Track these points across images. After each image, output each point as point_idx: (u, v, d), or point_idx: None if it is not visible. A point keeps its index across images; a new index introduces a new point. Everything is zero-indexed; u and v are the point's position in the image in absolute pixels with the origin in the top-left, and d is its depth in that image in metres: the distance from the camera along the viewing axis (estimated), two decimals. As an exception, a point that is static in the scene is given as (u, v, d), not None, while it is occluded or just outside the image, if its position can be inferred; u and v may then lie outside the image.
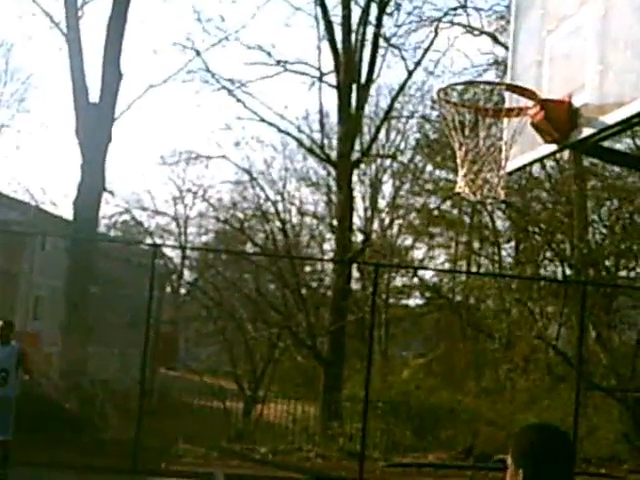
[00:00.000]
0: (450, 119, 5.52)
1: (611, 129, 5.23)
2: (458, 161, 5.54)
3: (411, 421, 16.18)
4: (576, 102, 5.43)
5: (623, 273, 20.24)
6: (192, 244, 33.89)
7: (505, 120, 5.88)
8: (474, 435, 16.08)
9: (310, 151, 22.89)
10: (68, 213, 17.27)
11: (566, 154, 21.17)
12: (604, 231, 19.64)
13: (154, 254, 13.60)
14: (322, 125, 22.15)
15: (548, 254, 20.88)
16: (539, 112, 5.55)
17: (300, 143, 22.90)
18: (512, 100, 6.02)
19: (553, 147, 5.73)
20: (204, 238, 33.73)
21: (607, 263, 19.01)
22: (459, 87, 6.18)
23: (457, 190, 5.55)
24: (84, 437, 12.55)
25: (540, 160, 7.31)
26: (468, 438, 15.77)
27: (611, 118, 5.06)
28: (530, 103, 5.61)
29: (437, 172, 25.89)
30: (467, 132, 5.46)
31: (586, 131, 5.33)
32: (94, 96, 16.36)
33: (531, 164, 6.68)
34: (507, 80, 6.57)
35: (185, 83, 24.23)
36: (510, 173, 6.06)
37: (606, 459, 14.37)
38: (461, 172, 5.47)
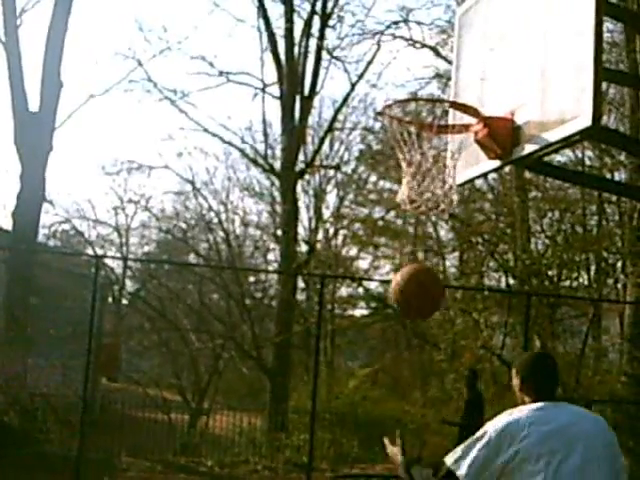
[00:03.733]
0: (394, 133, 5.57)
1: (553, 146, 5.35)
2: (402, 174, 5.59)
3: (358, 432, 16.19)
4: (518, 119, 5.54)
5: (566, 283, 20.61)
6: (134, 254, 33.49)
7: (449, 137, 5.97)
8: (421, 445, 16.18)
9: (254, 162, 22.89)
10: (7, 224, 16.99)
11: (508, 167, 21.60)
12: (547, 242, 19.99)
13: (96, 265, 13.38)
14: (265, 136, 22.20)
15: (492, 264, 21.18)
16: (482, 129, 5.64)
17: (244, 154, 22.91)
18: (456, 115, 6.10)
19: (496, 163, 5.83)
20: (146, 248, 33.41)
21: (550, 273, 19.32)
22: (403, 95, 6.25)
23: (398, 200, 5.60)
24: (25, 451, 12.30)
25: (484, 175, 7.42)
26: (415, 448, 15.87)
27: (553, 135, 5.18)
28: (474, 120, 5.71)
29: (381, 182, 26.14)
30: (411, 146, 5.51)
31: (528, 147, 5.44)
32: (34, 105, 16.12)
33: (475, 179, 6.77)
34: (451, 95, 6.66)
35: (127, 93, 24.23)
36: (458, 186, 6.14)
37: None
38: (404, 184, 5.51)
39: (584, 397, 15.25)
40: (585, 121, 4.81)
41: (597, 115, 4.78)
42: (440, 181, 5.56)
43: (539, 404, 3.52)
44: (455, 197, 5.70)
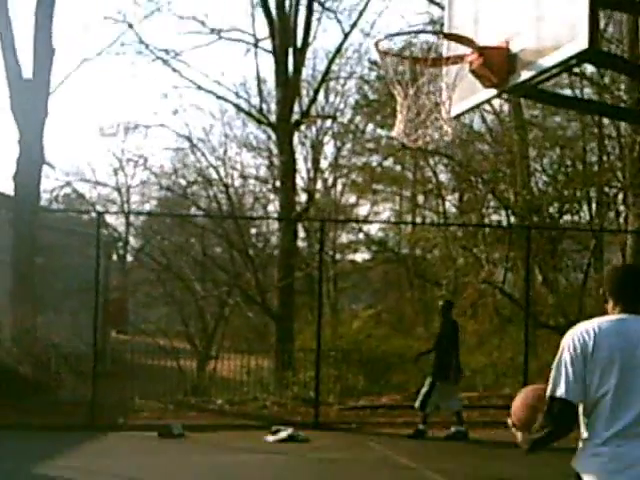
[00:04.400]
0: (390, 71, 5.60)
1: (549, 71, 5.38)
2: (398, 107, 5.62)
3: (363, 367, 16.41)
4: (514, 47, 5.57)
5: (567, 218, 20.71)
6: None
7: (444, 69, 6.00)
8: (425, 378, 16.41)
9: (249, 115, 22.84)
10: (9, 188, 17.27)
11: (506, 107, 21.56)
12: (547, 180, 20.03)
13: (98, 221, 13.63)
14: (260, 90, 22.13)
15: (492, 203, 21.25)
16: (477, 59, 5.67)
17: (239, 108, 22.83)
18: (450, 47, 6.10)
19: (492, 92, 5.88)
20: (147, 206, 33.47)
21: (550, 210, 19.41)
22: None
23: (394, 134, 5.64)
24: (40, 399, 12.61)
25: (480, 105, 7.44)
26: (419, 381, 16.09)
27: (549, 60, 5.21)
28: (468, 50, 5.74)
29: (378, 131, 26.06)
30: (407, 81, 5.55)
31: (524, 74, 5.48)
32: (27, 72, 16.27)
33: (472, 109, 6.81)
34: (445, 27, 6.67)
35: (119, 55, 24.25)
36: (454, 118, 6.18)
37: (558, 394, 14.73)
38: (400, 117, 5.55)
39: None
40: (581, 44, 4.85)
41: (593, 37, 4.82)
42: (436, 113, 5.61)
43: (618, 315, 3.57)
44: (451, 130, 5.77)
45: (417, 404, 11.44)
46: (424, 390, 11.44)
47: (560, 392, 3.46)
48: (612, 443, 3.40)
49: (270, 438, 11.03)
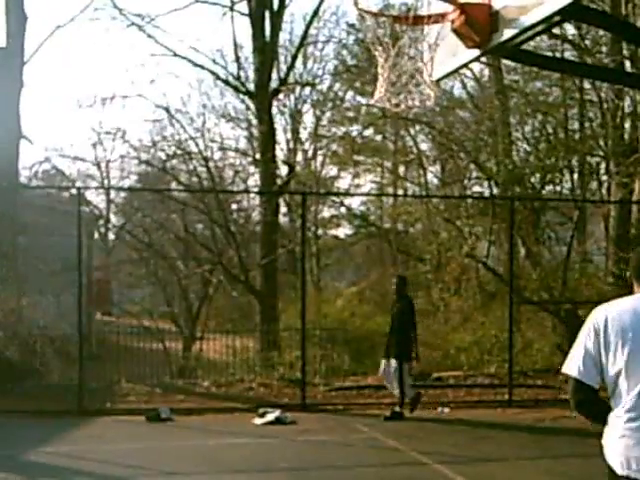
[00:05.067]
0: (370, 31, 5.49)
1: (532, 29, 5.28)
2: (379, 70, 5.51)
3: (348, 347, 16.47)
4: (496, 4, 5.45)
5: (549, 188, 20.70)
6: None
7: (425, 30, 5.87)
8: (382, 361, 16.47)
9: (226, 83, 22.60)
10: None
11: (486, 71, 21.47)
12: (529, 149, 19.98)
13: (79, 197, 13.37)
14: (237, 57, 21.84)
15: (474, 174, 21.21)
16: (459, 17, 5.54)
17: (216, 76, 22.56)
18: (431, 5, 5.96)
19: (475, 52, 5.76)
20: (127, 182, 33.25)
21: (533, 180, 19.37)
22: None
23: (375, 99, 5.54)
24: (27, 383, 12.56)
25: (463, 67, 7.33)
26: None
27: (532, 17, 5.10)
28: (450, 8, 5.60)
29: (358, 99, 25.92)
30: (388, 42, 5.44)
31: (507, 32, 5.37)
32: (1, 40, 16.21)
33: (454, 72, 6.71)
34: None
35: (93, 22, 24.06)
36: (436, 82, 6.09)
37: (542, 370, 14.88)
38: (381, 82, 5.44)
39: (571, 299, 15.50)
40: (565, -1, 4.76)
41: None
42: (418, 76, 5.52)
43: (637, 295, 3.62)
44: (433, 94, 5.67)
45: (396, 392, 11.21)
46: (395, 376, 11.12)
47: (574, 372, 3.55)
48: (628, 419, 3.48)
49: (257, 421, 11.03)
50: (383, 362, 11.41)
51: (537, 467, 8.61)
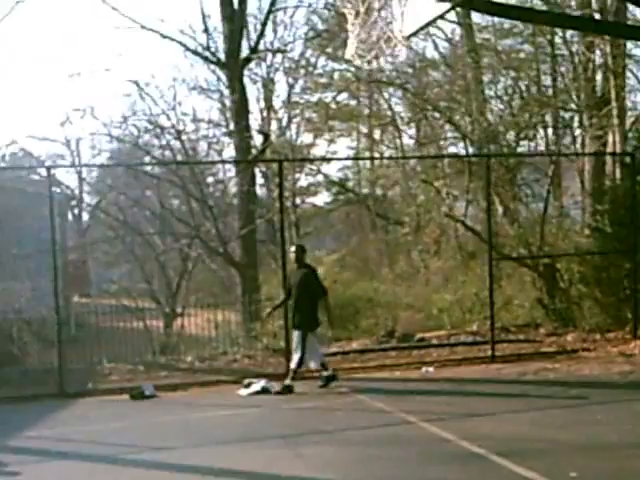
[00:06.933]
0: None
1: None
2: (349, 27, 5.40)
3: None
4: None
5: (525, 147, 20.69)
6: (87, 168, 32.88)
7: None
8: (394, 320, 16.48)
9: (196, 54, 22.28)
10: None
11: (458, 31, 21.33)
12: (502, 106, 19.94)
13: (49, 176, 13.05)
14: (206, 27, 21.55)
15: (449, 135, 21.15)
16: None
17: (185, 47, 22.23)
18: None
19: (445, 6, 5.66)
20: (99, 159, 32.84)
21: (507, 137, 19.33)
22: None
23: (347, 56, 5.43)
24: (6, 369, 12.39)
25: (433, 23, 7.24)
26: (389, 323, 16.17)
27: None
28: None
29: (330, 64, 25.70)
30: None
31: None
32: None
33: (426, 26, 6.60)
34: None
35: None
36: (407, 37, 5.98)
37: (524, 325, 15.00)
38: (352, 38, 5.33)
39: (549, 254, 15.53)
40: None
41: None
42: (388, 32, 5.40)
43: None
44: (405, 49, 5.56)
45: (293, 365, 10.96)
46: (299, 348, 10.90)
47: None
48: None
49: (243, 392, 10.97)
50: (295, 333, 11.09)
51: (522, 420, 8.62)
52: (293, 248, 11.64)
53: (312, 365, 11.18)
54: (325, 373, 11.10)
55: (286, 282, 11.64)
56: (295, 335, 11.10)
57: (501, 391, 10.40)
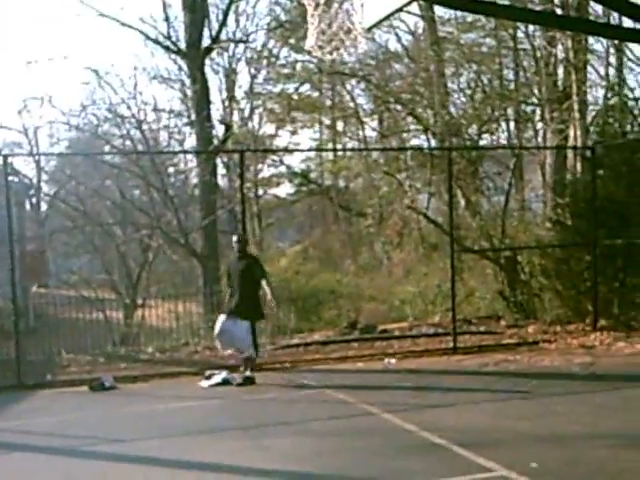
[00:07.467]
0: None
1: None
2: (309, 17, 5.34)
3: (294, 305, 16.38)
4: None
5: (487, 140, 20.83)
6: (46, 157, 32.43)
7: None
8: (357, 311, 16.51)
9: (157, 42, 22.05)
10: None
11: (421, 24, 21.37)
12: (464, 99, 20.04)
13: (5, 165, 12.80)
14: (166, 15, 21.40)
15: (412, 127, 21.20)
16: None
17: (146, 36, 22.00)
18: None
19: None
20: (57, 148, 32.39)
21: (470, 131, 19.44)
22: None
23: (307, 47, 5.37)
24: (-37, 361, 12.18)
25: (395, 13, 7.18)
26: (351, 315, 16.20)
27: None
28: None
29: (293, 55, 25.61)
30: None
31: None
32: None
33: (386, 18, 6.55)
34: None
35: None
36: (368, 29, 5.93)
37: (485, 317, 15.13)
38: (312, 29, 5.27)
39: (510, 246, 15.65)
40: None
41: None
42: (349, 24, 5.35)
43: None
44: (365, 41, 5.51)
45: (252, 354, 10.86)
46: (248, 337, 10.75)
47: None
48: None
49: (204, 383, 10.89)
50: (222, 320, 10.92)
51: (483, 410, 8.65)
52: (236, 238, 11.44)
53: (219, 346, 11.02)
54: (248, 373, 10.90)
55: (227, 271, 11.45)
56: (229, 324, 10.83)
57: (462, 382, 10.45)
